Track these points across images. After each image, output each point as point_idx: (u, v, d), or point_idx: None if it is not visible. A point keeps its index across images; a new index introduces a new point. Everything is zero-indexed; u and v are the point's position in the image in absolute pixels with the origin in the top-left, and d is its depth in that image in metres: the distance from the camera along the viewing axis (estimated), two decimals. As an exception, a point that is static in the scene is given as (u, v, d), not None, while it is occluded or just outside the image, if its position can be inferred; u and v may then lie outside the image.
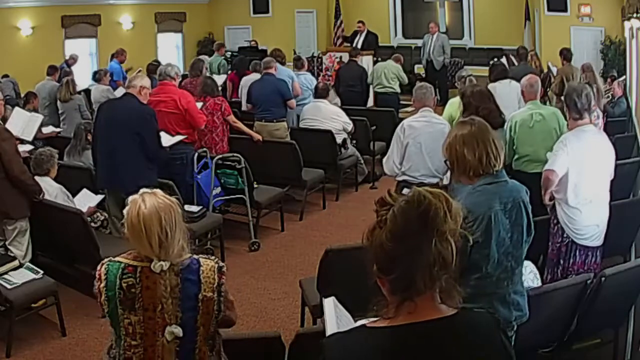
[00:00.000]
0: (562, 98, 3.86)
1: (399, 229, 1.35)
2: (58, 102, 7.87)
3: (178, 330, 2.13)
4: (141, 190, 2.20)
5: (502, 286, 2.51)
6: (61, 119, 7.86)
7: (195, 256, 2.24)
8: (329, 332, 2.15)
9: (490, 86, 6.72)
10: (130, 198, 2.17)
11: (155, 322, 2.14)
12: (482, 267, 2.41)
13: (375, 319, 1.45)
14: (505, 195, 2.48)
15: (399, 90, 9.51)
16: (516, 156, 4.57)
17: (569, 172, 3.61)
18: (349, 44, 11.77)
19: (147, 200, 2.12)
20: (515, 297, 2.57)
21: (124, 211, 2.17)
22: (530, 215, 2.57)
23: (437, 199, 1.37)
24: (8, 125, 5.18)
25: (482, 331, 1.44)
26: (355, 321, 2.18)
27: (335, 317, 2.22)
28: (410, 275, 1.35)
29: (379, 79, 9.40)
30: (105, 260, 2.21)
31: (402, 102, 9.85)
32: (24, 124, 6.13)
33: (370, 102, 10.16)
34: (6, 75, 9.60)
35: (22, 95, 8.49)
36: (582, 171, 3.60)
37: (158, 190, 2.20)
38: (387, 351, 1.36)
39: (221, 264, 2.27)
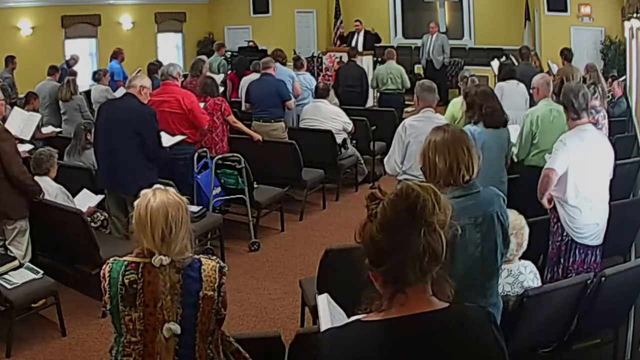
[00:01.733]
0: (560, 99, 3.86)
1: (388, 221, 1.38)
2: (60, 101, 7.87)
3: (175, 327, 2.15)
4: (155, 186, 2.26)
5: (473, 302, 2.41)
6: (63, 118, 7.86)
7: (196, 256, 2.27)
8: (323, 327, 2.16)
9: (498, 85, 6.76)
10: (143, 191, 2.23)
11: (156, 319, 2.16)
12: None
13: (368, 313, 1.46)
14: (475, 209, 2.37)
15: (403, 90, 9.39)
16: (535, 150, 4.58)
17: (569, 171, 3.61)
18: (347, 45, 11.74)
19: (158, 195, 2.18)
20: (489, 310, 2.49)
21: (135, 203, 2.21)
22: (506, 226, 2.46)
23: (426, 192, 1.40)
24: (7, 125, 5.17)
25: (474, 325, 1.45)
26: (349, 317, 2.19)
27: (329, 314, 2.24)
28: (400, 267, 1.36)
29: (385, 84, 9.24)
30: (111, 259, 2.26)
31: (405, 102, 9.79)
32: (22, 123, 6.13)
33: (371, 102, 10.14)
34: (10, 57, 9.60)
35: (21, 94, 8.52)
36: (582, 170, 3.60)
37: (170, 188, 2.26)
38: (380, 344, 1.37)
39: (222, 264, 2.30)
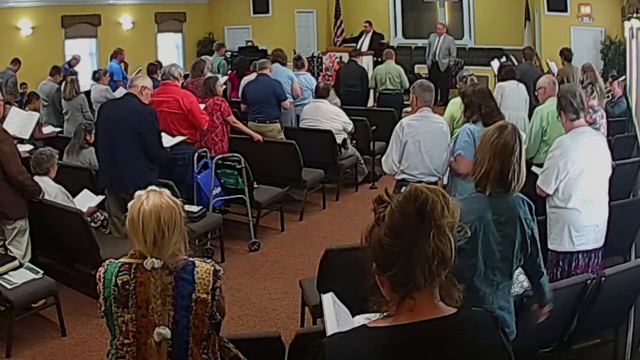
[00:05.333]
0: (558, 100, 3.83)
1: (397, 224, 1.35)
2: (62, 100, 7.86)
3: (166, 332, 2.13)
4: (149, 187, 2.23)
5: (487, 302, 2.41)
6: (65, 118, 7.85)
7: (190, 259, 2.24)
8: (328, 327, 2.15)
9: (498, 85, 6.77)
10: (137, 193, 2.21)
11: (148, 320, 2.15)
12: (468, 277, 2.30)
13: (375, 316, 1.44)
14: (501, 207, 2.40)
15: (402, 90, 9.33)
16: (545, 147, 4.51)
17: (568, 177, 3.58)
18: (353, 45, 11.68)
19: (151, 198, 2.15)
20: (500, 312, 2.47)
21: (129, 205, 2.20)
22: (529, 232, 2.47)
23: (434, 194, 1.37)
24: (4, 125, 5.17)
25: (481, 331, 1.44)
26: (354, 316, 2.19)
27: (335, 313, 2.23)
28: (409, 271, 1.34)
29: (384, 84, 9.23)
30: (107, 261, 2.25)
31: (405, 102, 9.76)
32: (20, 122, 6.13)
33: (370, 102, 10.14)
34: (15, 61, 9.65)
35: (21, 93, 8.54)
36: (581, 174, 3.57)
37: (165, 190, 2.23)
38: (387, 351, 1.36)
39: (218, 267, 2.27)
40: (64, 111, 7.88)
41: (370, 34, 11.90)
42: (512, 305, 2.59)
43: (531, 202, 2.54)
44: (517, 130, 2.54)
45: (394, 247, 1.35)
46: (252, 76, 7.97)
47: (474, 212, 2.34)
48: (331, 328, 2.13)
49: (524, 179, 2.48)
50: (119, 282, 2.15)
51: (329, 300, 2.34)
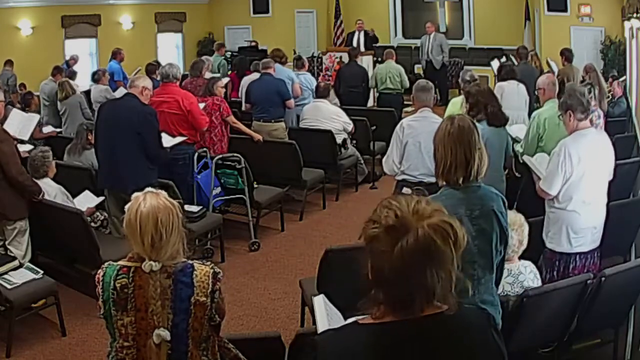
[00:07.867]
0: (566, 99, 3.79)
1: (404, 265, 1.33)
2: (58, 102, 7.86)
3: (165, 334, 2.13)
4: (146, 189, 2.22)
5: (466, 297, 2.40)
6: (63, 119, 7.85)
7: (189, 261, 2.24)
8: (320, 328, 2.16)
9: (498, 85, 6.76)
10: (134, 195, 2.20)
11: (147, 323, 2.15)
12: None
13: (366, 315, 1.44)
14: (473, 202, 2.39)
15: (402, 90, 9.34)
16: (543, 153, 4.54)
17: (570, 180, 3.57)
18: (349, 46, 11.71)
19: (148, 200, 2.15)
20: (483, 306, 2.40)
21: (126, 207, 2.19)
22: (504, 225, 2.46)
23: (444, 242, 1.34)
24: (5, 126, 5.17)
25: (473, 328, 1.44)
26: (346, 319, 2.19)
27: (326, 314, 2.24)
28: (408, 295, 1.35)
29: (384, 83, 9.23)
30: (106, 264, 2.25)
31: (405, 101, 9.76)
32: (20, 123, 6.13)
33: (370, 102, 10.14)
34: (9, 62, 9.69)
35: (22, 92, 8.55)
36: (582, 177, 3.55)
37: (162, 192, 2.23)
38: (379, 347, 1.36)
39: (217, 269, 2.26)
40: (61, 112, 7.87)
41: (362, 32, 11.91)
42: (497, 298, 2.57)
43: (504, 197, 2.52)
44: (467, 117, 2.57)
45: (395, 280, 1.34)
46: (254, 76, 7.97)
47: (446, 210, 2.33)
48: (322, 327, 2.13)
49: (487, 163, 2.47)
50: (118, 285, 2.15)
51: (320, 302, 2.36)
